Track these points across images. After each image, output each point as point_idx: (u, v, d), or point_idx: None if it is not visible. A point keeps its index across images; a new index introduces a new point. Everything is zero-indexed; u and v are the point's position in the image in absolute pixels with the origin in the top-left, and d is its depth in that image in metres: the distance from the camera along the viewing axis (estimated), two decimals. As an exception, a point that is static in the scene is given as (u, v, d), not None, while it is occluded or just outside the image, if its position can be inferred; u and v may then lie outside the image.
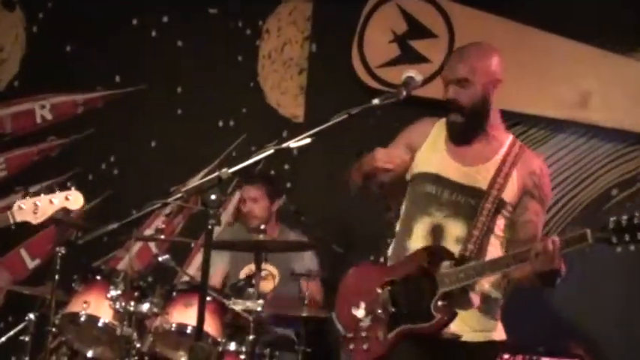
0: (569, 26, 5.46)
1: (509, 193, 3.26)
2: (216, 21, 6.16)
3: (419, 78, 3.09)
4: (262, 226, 4.68)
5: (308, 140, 2.71)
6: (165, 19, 6.19)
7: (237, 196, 5.84)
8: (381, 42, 5.77)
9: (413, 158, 3.37)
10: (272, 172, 5.73)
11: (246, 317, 4.49)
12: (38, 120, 6.20)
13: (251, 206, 5.33)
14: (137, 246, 5.89)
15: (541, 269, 3.00)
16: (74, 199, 3.42)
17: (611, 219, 2.88)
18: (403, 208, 3.40)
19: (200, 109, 6.07)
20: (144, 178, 5.96)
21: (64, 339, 4.76)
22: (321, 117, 2.99)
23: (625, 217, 2.86)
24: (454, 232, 3.23)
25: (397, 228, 3.40)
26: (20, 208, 3.42)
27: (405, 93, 3.00)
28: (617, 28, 5.40)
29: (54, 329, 4.60)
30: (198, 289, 2.79)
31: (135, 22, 6.20)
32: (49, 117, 6.20)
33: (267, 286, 4.98)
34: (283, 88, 6.15)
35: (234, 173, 2.52)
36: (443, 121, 3.38)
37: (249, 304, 4.48)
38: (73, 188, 3.37)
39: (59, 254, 4.66)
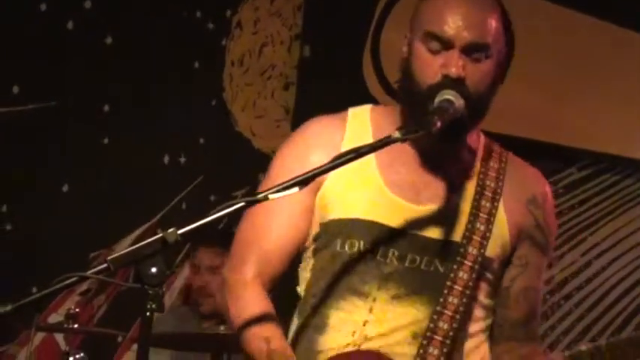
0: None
1: (496, 242, 2.83)
2: (162, 9, 6.22)
3: (460, 102, 2.74)
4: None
5: (295, 189, 2.72)
6: (87, 4, 6.25)
7: (186, 269, 5.85)
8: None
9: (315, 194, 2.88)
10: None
11: None
12: None
13: (206, 279, 5.34)
14: (38, 339, 5.88)
15: None
16: None
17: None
18: (304, 281, 2.91)
19: (137, 137, 6.11)
20: (51, 239, 5.96)
21: None
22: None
23: None
24: (408, 322, 2.76)
25: (295, 316, 2.93)
26: None
27: (439, 124, 2.64)
28: None
29: None
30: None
31: (44, 7, 6.24)
32: None
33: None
34: (261, 109, 6.20)
35: (184, 236, 2.52)
36: (364, 114, 2.98)
37: None
38: None
39: None
